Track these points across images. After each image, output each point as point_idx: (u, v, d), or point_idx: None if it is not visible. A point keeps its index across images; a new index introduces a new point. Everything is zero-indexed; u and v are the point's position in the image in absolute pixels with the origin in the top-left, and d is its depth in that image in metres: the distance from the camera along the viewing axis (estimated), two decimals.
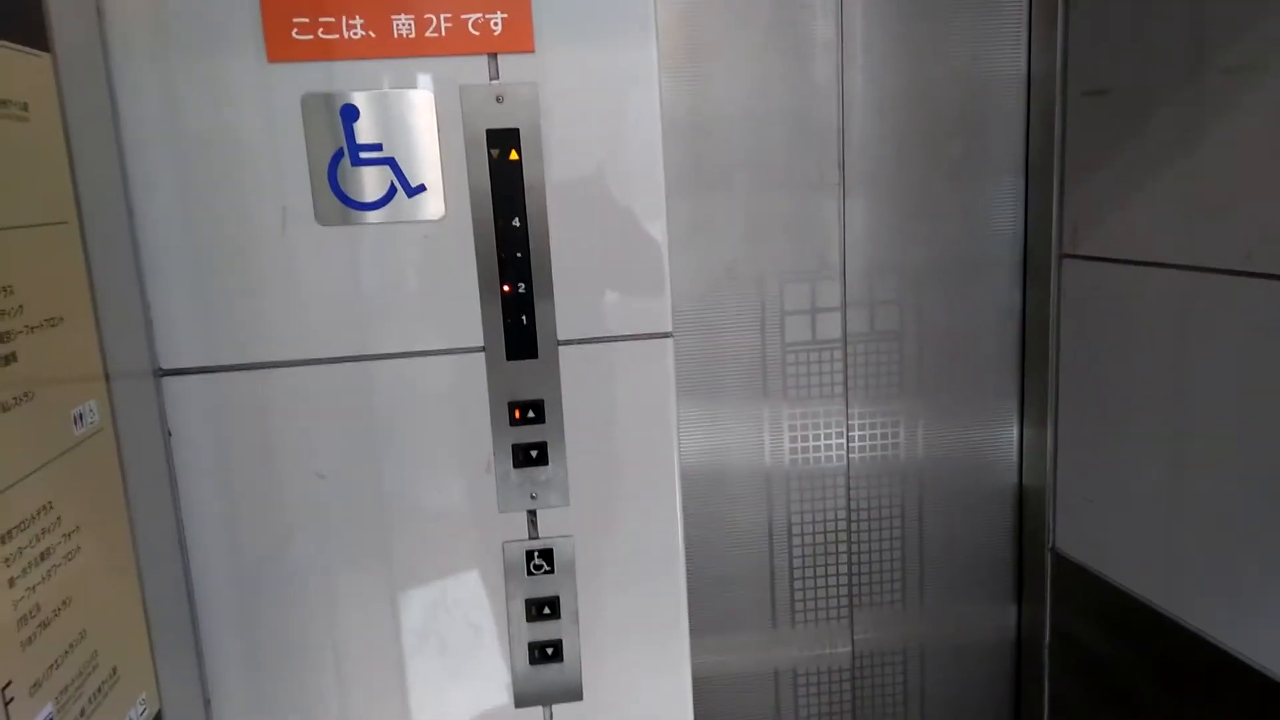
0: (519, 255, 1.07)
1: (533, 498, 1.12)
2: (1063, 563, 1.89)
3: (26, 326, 0.78)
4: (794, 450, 1.95)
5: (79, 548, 0.83)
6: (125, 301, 0.98)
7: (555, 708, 1.18)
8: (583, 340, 1.11)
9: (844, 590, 2.03)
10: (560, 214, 1.07)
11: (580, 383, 1.11)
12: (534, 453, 1.11)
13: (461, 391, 1.09)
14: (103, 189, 0.94)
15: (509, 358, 1.09)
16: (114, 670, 0.87)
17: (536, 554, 1.13)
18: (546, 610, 1.14)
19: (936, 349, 1.95)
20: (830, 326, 1.91)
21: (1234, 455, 1.43)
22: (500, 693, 1.16)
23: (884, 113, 1.85)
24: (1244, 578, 1.43)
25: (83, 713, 0.82)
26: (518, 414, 1.10)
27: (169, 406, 1.04)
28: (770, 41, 1.80)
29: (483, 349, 1.09)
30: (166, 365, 1.04)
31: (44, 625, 0.77)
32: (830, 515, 1.99)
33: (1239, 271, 1.39)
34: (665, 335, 1.12)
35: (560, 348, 1.10)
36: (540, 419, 1.11)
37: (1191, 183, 1.47)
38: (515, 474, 1.11)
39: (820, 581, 2.01)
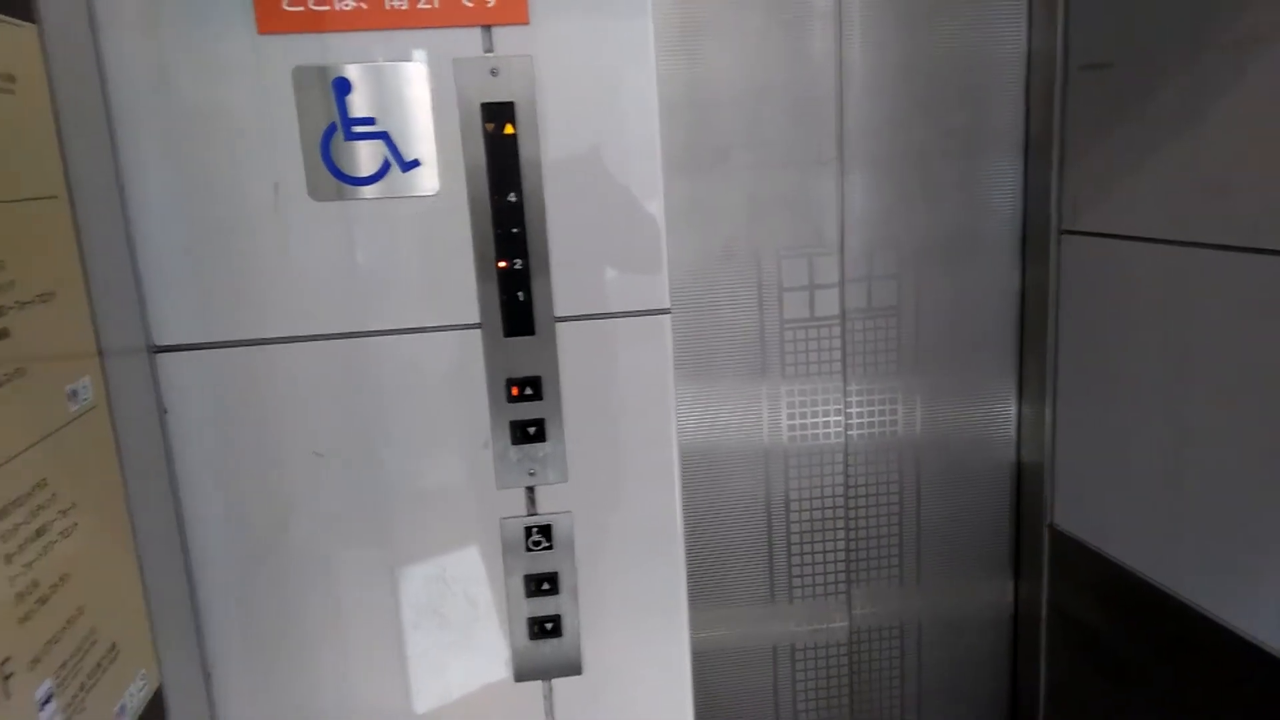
0: (515, 231, 1.06)
1: (531, 474, 1.12)
2: (1060, 539, 1.89)
3: (18, 302, 0.77)
4: (792, 427, 1.95)
5: (75, 524, 0.82)
6: (117, 277, 0.97)
7: (555, 682, 1.18)
8: (580, 317, 1.10)
9: (841, 566, 2.03)
10: (557, 189, 1.06)
11: (578, 359, 1.11)
12: (532, 429, 1.11)
13: (459, 368, 1.09)
14: (92, 163, 0.93)
15: (506, 334, 1.08)
16: (113, 646, 0.87)
17: (535, 530, 1.13)
18: (545, 586, 1.15)
19: (935, 325, 1.95)
20: (829, 303, 1.91)
21: (1232, 431, 1.43)
22: (500, 667, 1.17)
23: (883, 88, 1.83)
24: (1241, 553, 1.43)
25: (82, 688, 0.82)
26: (515, 391, 1.10)
27: (164, 383, 1.04)
28: (768, 17, 1.78)
29: (479, 325, 1.08)
30: (161, 341, 1.03)
31: (41, 601, 0.77)
32: (828, 491, 1.99)
33: (1239, 247, 1.38)
34: (663, 311, 1.12)
35: (557, 324, 1.09)
36: (538, 396, 1.10)
37: (1192, 158, 1.46)
38: (513, 451, 1.11)
39: (818, 557, 2.02)
